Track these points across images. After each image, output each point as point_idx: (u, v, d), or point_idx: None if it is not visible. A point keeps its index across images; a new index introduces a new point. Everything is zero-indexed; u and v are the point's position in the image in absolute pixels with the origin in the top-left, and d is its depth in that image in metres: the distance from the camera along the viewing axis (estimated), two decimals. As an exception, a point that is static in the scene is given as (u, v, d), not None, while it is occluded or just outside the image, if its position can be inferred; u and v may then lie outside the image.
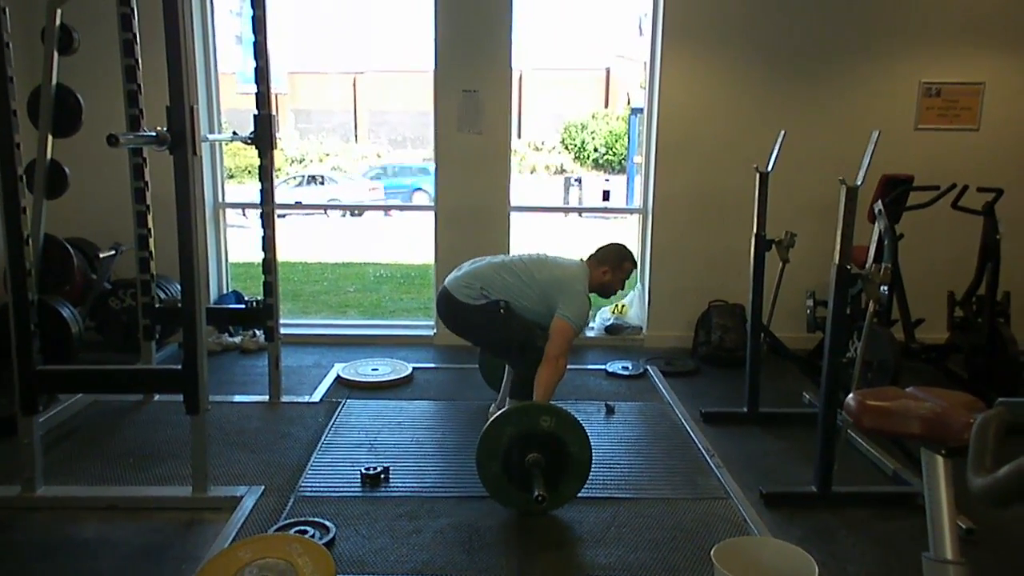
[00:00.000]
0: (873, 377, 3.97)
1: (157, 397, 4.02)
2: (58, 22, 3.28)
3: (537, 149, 21.34)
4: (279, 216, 4.01)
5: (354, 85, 22.75)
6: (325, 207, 15.24)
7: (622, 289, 3.68)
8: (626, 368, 4.75)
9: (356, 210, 14.82)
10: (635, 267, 3.67)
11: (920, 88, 5.05)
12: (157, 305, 4.10)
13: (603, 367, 4.77)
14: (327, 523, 2.77)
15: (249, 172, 14.13)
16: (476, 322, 3.43)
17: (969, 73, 5.04)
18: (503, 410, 3.04)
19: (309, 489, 3.10)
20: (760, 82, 5.05)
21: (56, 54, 3.25)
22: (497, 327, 3.39)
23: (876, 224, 4.00)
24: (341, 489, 3.11)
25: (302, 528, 2.73)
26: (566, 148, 21.05)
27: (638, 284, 5.52)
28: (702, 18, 4.98)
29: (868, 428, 1.62)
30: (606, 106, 22.39)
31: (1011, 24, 4.99)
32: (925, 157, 4.90)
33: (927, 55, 5.03)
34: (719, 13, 4.97)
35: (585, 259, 3.60)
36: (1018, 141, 5.11)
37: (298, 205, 12.34)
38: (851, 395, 1.64)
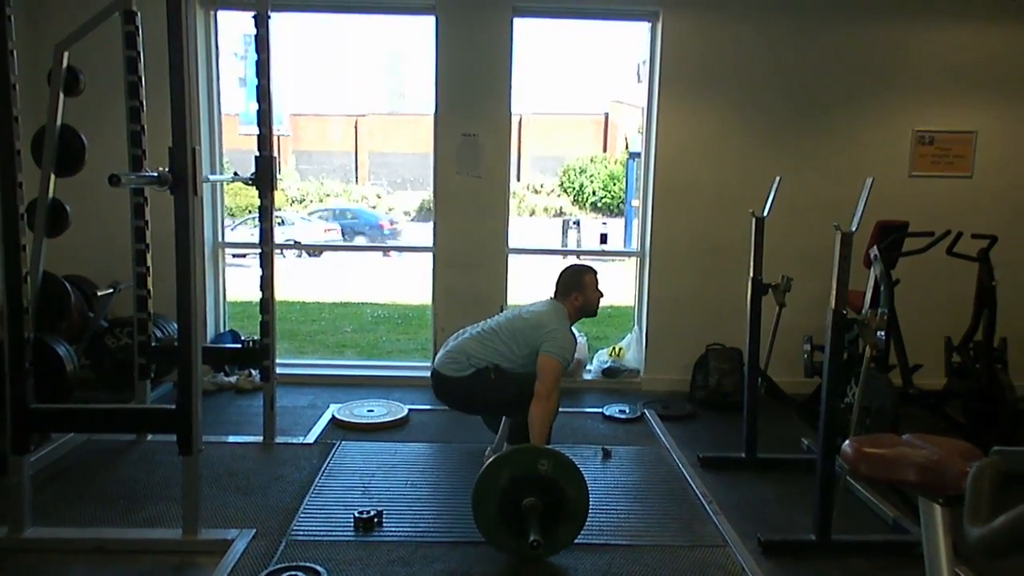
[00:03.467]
0: (871, 423, 3.95)
1: (150, 437, 3.98)
2: (65, 64, 3.33)
3: (536, 192, 21.52)
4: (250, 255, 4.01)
5: (355, 127, 23.00)
6: (322, 247, 15.29)
7: (602, 297, 3.64)
8: (623, 412, 4.72)
9: (314, 250, 14.83)
10: (595, 273, 3.62)
11: (913, 136, 5.13)
12: (153, 344, 4.09)
13: (600, 410, 4.74)
14: (319, 568, 2.73)
15: (249, 211, 14.23)
16: (469, 391, 3.44)
17: (961, 122, 5.12)
18: (500, 453, 3.02)
19: (301, 533, 3.06)
20: (756, 129, 5.12)
21: (62, 95, 3.29)
22: (491, 390, 3.40)
23: (872, 269, 4.02)
24: (334, 533, 3.06)
25: (293, 573, 2.69)
26: (565, 191, 21.22)
27: (635, 327, 5.52)
28: (699, 66, 5.06)
29: (865, 475, 1.61)
30: (604, 150, 22.63)
31: (1002, 75, 5.08)
32: (919, 203, 4.94)
33: (920, 104, 5.11)
34: (716, 62, 5.06)
35: (553, 298, 3.60)
36: (1011, 189, 5.16)
37: (296, 245, 12.38)
38: (847, 442, 1.63)
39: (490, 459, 2.96)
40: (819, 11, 5.03)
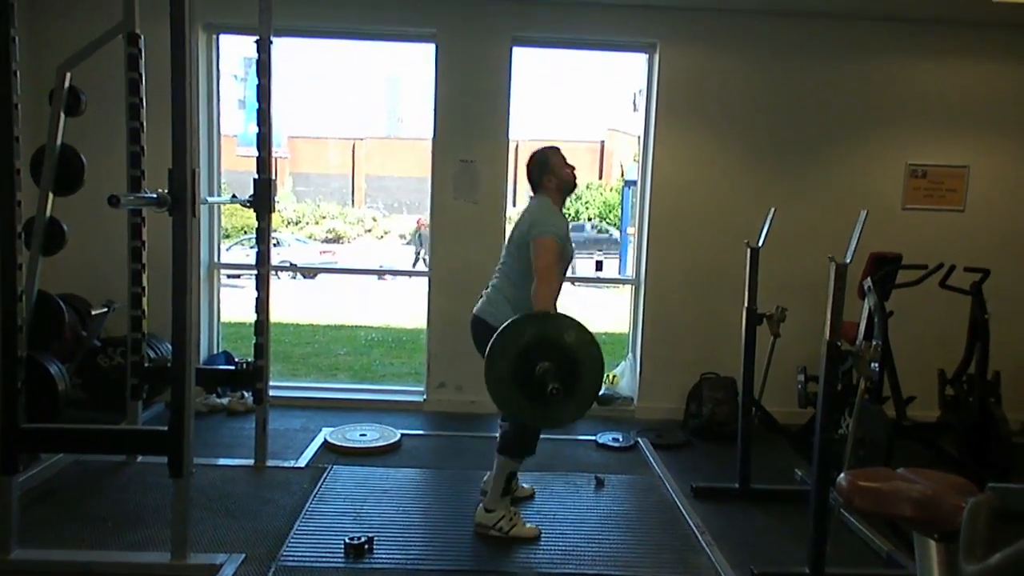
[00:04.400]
0: (865, 455, 3.94)
1: (140, 458, 3.95)
2: (67, 84, 3.35)
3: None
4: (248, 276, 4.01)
5: (353, 151, 23.13)
6: (317, 269, 15.29)
7: (574, 169, 3.51)
8: (616, 440, 4.71)
9: (309, 272, 14.82)
10: (558, 150, 3.51)
11: (906, 170, 5.18)
12: (146, 364, 4.07)
13: (593, 438, 4.73)
14: (308, 594, 2.70)
15: (245, 231, 14.25)
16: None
17: (953, 156, 5.17)
18: (528, 313, 2.95)
19: (291, 559, 3.03)
20: (751, 160, 5.17)
21: (63, 115, 3.31)
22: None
23: (866, 301, 4.04)
24: (323, 559, 3.03)
25: (282, 599, 2.66)
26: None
27: (629, 355, 5.52)
28: (695, 97, 5.12)
29: (860, 509, 1.60)
30: (600, 177, 22.77)
31: (994, 110, 5.15)
32: (912, 236, 4.98)
33: (912, 138, 5.17)
34: (712, 93, 5.12)
35: (533, 193, 3.51)
36: (1002, 223, 5.21)
37: (291, 267, 12.39)
38: (842, 475, 1.63)
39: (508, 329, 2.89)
40: (814, 47, 5.10)
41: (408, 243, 18.84)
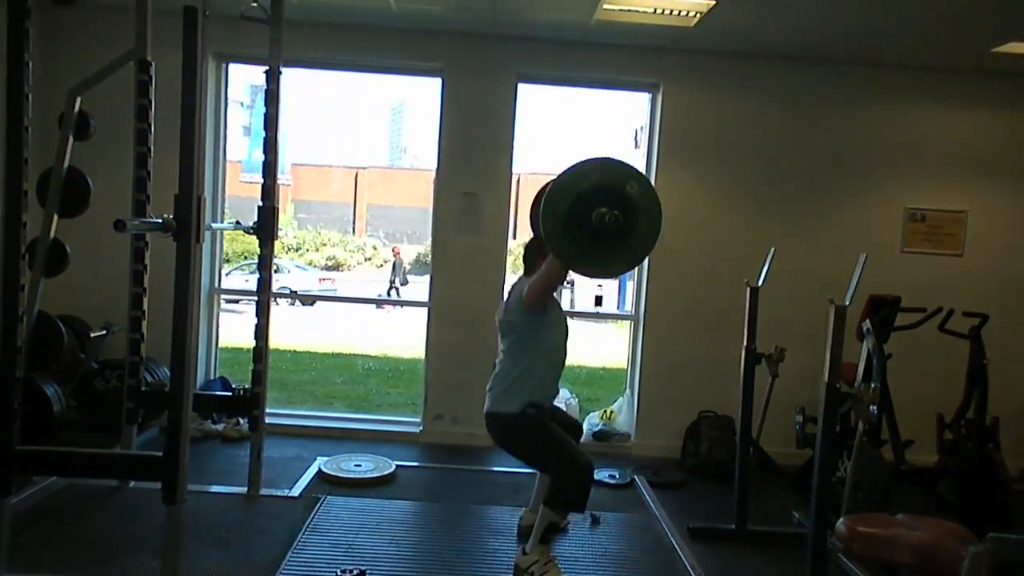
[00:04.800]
0: (863, 499, 3.92)
1: (133, 484, 3.91)
2: (77, 108, 3.39)
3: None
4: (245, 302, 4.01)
5: (356, 179, 23.26)
6: (316, 297, 15.28)
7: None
8: (613, 477, 4.67)
9: (308, 299, 14.81)
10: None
11: (905, 213, 5.22)
12: (143, 388, 4.06)
13: (590, 474, 4.69)
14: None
15: (245, 256, 14.26)
16: (516, 437, 3.36)
17: (952, 201, 5.22)
18: (598, 158, 2.91)
19: (282, 589, 2.99)
20: (751, 200, 5.21)
21: (71, 139, 3.34)
22: (537, 442, 3.30)
23: (865, 343, 4.04)
24: (315, 591, 3.00)
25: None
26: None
27: (627, 391, 5.51)
28: (697, 137, 5.18)
29: (858, 554, 1.60)
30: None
31: (992, 157, 5.21)
32: (911, 279, 5.00)
33: (912, 182, 5.22)
34: (713, 134, 5.18)
35: (525, 275, 3.51)
36: (1001, 268, 5.23)
37: (291, 294, 12.37)
38: (842, 520, 1.62)
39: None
40: (814, 90, 5.17)
41: (408, 273, 18.85)
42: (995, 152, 5.22)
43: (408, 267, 19.15)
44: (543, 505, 3.26)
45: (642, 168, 5.45)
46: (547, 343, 3.36)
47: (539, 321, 3.32)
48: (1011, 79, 5.11)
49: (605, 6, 4.24)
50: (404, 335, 10.76)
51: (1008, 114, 5.21)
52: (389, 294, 15.10)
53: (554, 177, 2.92)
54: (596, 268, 2.94)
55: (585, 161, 2.88)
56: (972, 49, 4.62)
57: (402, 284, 15.53)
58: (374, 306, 15.40)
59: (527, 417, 3.28)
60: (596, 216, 2.80)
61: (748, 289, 3.87)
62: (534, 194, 3.41)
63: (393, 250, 17.42)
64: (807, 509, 3.17)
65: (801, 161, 5.20)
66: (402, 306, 15.88)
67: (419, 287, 13.87)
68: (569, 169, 2.86)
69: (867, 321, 4.15)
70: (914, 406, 4.52)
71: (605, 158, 2.92)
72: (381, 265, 20.72)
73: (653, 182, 5.22)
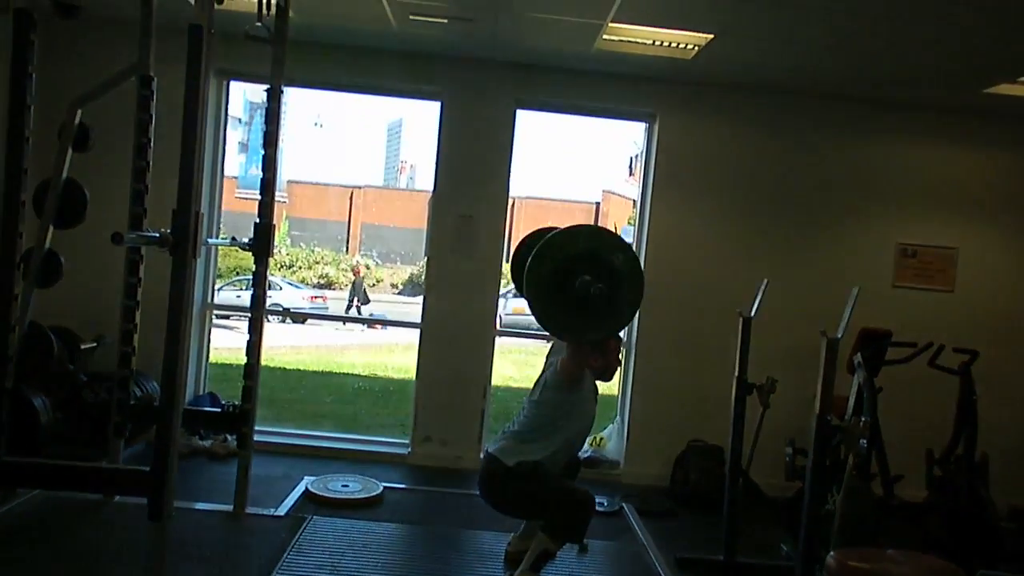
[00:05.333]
0: (851, 532, 3.91)
1: (118, 498, 3.87)
2: (77, 120, 3.40)
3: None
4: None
5: (351, 199, 23.32)
6: (307, 315, 15.26)
7: (620, 365, 3.64)
8: (602, 504, 4.64)
9: (299, 317, 14.80)
10: (620, 340, 3.59)
11: (897, 248, 5.26)
12: (132, 402, 4.03)
13: (578, 501, 4.67)
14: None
15: (237, 272, 14.24)
16: (511, 492, 3.34)
17: (943, 238, 5.27)
18: (589, 226, 3.02)
19: (265, 610, 2.96)
20: (745, 232, 5.24)
21: (70, 151, 3.34)
22: (532, 491, 3.29)
23: (855, 376, 4.05)
24: (299, 613, 2.97)
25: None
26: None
27: (618, 418, 5.50)
28: (692, 167, 5.22)
29: (848, 589, 1.59)
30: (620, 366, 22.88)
31: (983, 194, 5.27)
32: (902, 314, 5.02)
33: (903, 218, 5.27)
34: (708, 165, 5.22)
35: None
36: (992, 305, 5.27)
37: (284, 312, 12.35)
38: (831, 554, 1.62)
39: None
40: (809, 125, 5.23)
41: (399, 293, 18.82)
42: (985, 191, 5.28)
43: (400, 288, 19.11)
44: (540, 531, 3.23)
45: (638, 195, 5.49)
46: (572, 428, 3.36)
47: (575, 399, 3.34)
48: (1002, 120, 5.18)
49: (605, 36, 4.30)
50: (395, 355, 10.74)
51: (999, 154, 5.28)
52: (348, 312, 15.03)
53: (534, 231, 2.97)
54: (571, 333, 2.98)
55: (574, 228, 2.96)
56: (965, 89, 4.69)
57: (362, 303, 15.48)
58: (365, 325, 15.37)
59: (525, 472, 3.26)
60: (580, 284, 2.85)
61: (741, 319, 3.89)
62: (517, 245, 3.53)
63: (354, 270, 17.36)
64: (795, 541, 3.17)
65: (795, 194, 5.25)
66: (383, 326, 15.83)
67: (414, 307, 13.88)
68: (558, 234, 2.92)
69: (858, 354, 4.17)
70: (904, 441, 4.53)
71: (596, 227, 3.00)
72: (374, 285, 20.71)
73: (648, 210, 5.27)
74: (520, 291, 3.60)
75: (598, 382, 3.52)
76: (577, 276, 2.86)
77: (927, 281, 5.29)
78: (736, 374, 3.87)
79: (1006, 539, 4.30)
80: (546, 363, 3.51)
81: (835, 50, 4.25)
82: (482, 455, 3.47)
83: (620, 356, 3.59)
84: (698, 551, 3.97)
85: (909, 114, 5.21)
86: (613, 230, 3.14)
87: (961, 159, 5.29)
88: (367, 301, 15.66)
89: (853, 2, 3.54)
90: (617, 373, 3.63)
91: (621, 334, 3.64)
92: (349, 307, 15.35)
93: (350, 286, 16.25)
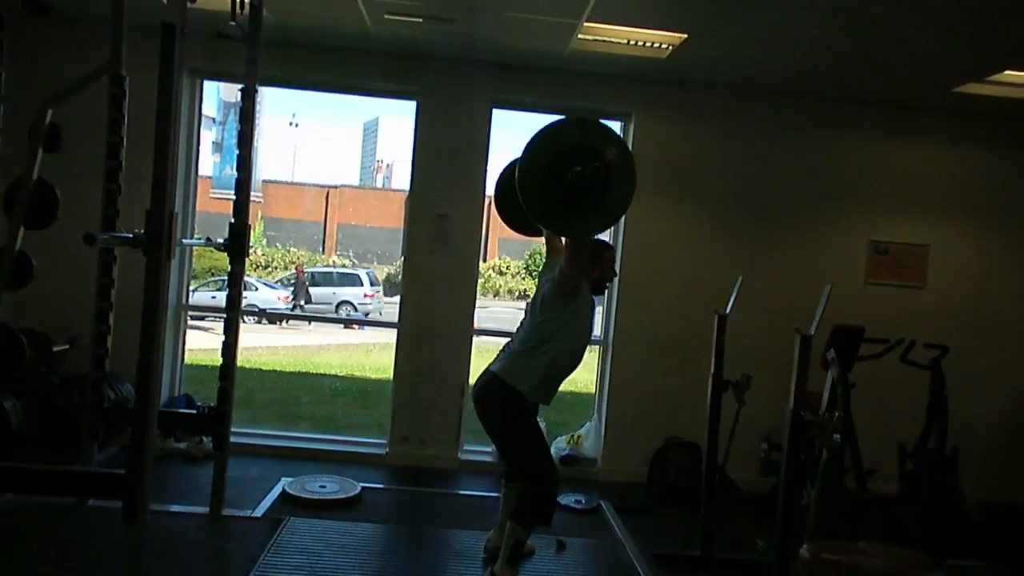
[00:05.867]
0: (826, 526, 3.96)
1: (91, 501, 3.82)
2: (48, 119, 3.35)
3: (502, 273, 21.66)
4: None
5: (327, 198, 23.17)
6: (283, 315, 15.14)
7: (615, 276, 3.67)
8: (579, 502, 4.67)
9: (275, 318, 14.69)
10: (614, 251, 3.64)
11: (869, 245, 5.34)
12: (106, 405, 3.98)
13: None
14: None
15: (212, 273, 14.10)
16: (505, 413, 3.34)
17: (915, 235, 5.35)
18: (580, 118, 2.98)
19: (243, 613, 2.94)
20: (720, 229, 5.29)
21: (41, 151, 3.30)
22: (524, 437, 3.34)
23: (829, 372, 4.11)
24: (277, 615, 2.95)
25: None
26: (530, 274, 21.41)
27: (595, 415, 5.52)
28: (668, 166, 5.25)
29: (821, 581, 1.62)
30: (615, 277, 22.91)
31: (955, 193, 5.36)
32: (875, 310, 5.10)
33: (876, 215, 5.35)
34: (684, 163, 5.26)
35: None
36: (962, 301, 5.36)
37: (260, 312, 12.22)
38: (804, 547, 1.65)
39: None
40: (783, 123, 5.29)
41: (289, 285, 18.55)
42: (956, 188, 5.37)
43: (379, 288, 19.00)
44: (511, 522, 3.26)
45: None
46: (569, 341, 3.34)
47: (574, 308, 3.31)
48: (971, 118, 5.27)
49: (580, 36, 4.31)
50: (372, 355, 10.69)
51: (969, 152, 5.38)
52: (293, 310, 14.90)
53: (512, 161, 2.95)
54: (570, 226, 2.97)
55: (564, 122, 2.95)
56: (934, 88, 4.77)
57: (306, 303, 15.38)
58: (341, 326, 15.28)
59: (528, 406, 3.33)
60: (573, 175, 2.85)
61: (716, 317, 3.93)
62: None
63: (296, 268, 17.19)
64: (771, 536, 3.20)
65: (769, 192, 5.31)
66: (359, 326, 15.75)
67: (391, 307, 13.84)
68: (547, 128, 2.92)
69: (831, 351, 4.22)
70: (877, 435, 4.59)
71: (584, 119, 3.00)
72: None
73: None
74: (509, 221, 3.59)
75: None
76: (569, 169, 2.86)
77: (899, 277, 5.38)
78: (712, 371, 3.90)
79: (977, 531, 4.38)
80: (540, 281, 3.49)
81: (806, 50, 4.30)
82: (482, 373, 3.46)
83: (615, 268, 3.62)
84: (675, 547, 4.00)
85: (881, 112, 5.29)
86: (603, 123, 3.15)
87: (932, 157, 5.37)
88: (309, 300, 15.55)
89: (823, 3, 3.58)
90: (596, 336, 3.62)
91: (615, 270, 3.64)
92: (294, 307, 15.23)
93: (292, 285, 16.07)
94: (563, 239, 3.29)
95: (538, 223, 3.16)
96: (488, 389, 3.35)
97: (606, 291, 3.61)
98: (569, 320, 3.31)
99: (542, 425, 5.32)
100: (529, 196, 2.91)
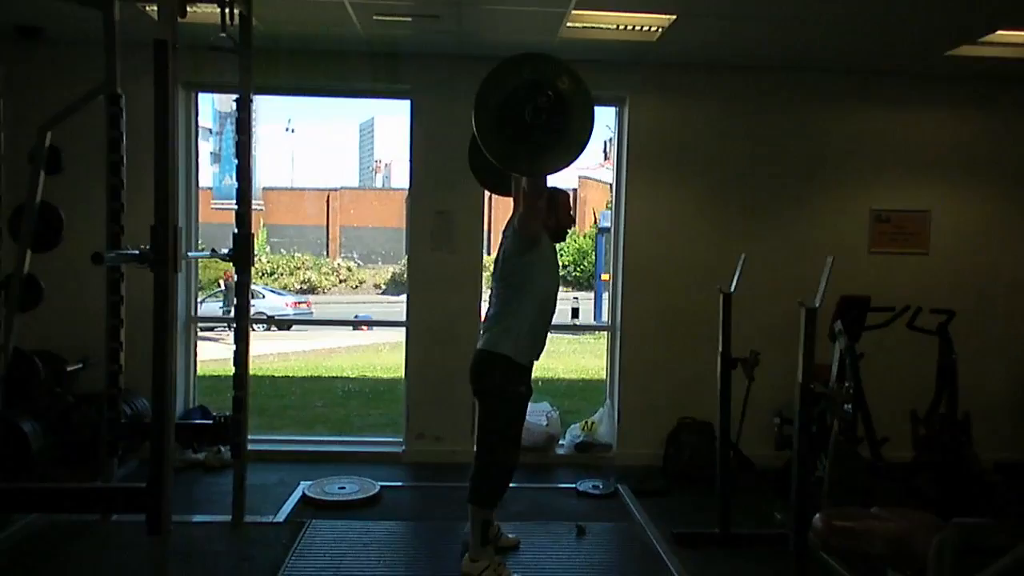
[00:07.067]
0: (842, 496, 3.99)
1: (114, 517, 3.87)
2: (47, 143, 3.39)
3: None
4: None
5: (328, 202, 23.21)
6: (292, 321, 15.19)
7: (574, 221, 3.66)
8: (596, 487, 4.71)
9: (284, 324, 14.72)
10: (568, 195, 3.59)
11: (871, 214, 5.34)
12: (122, 420, 4.02)
13: (574, 486, 4.72)
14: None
15: (218, 284, 14.17)
16: (490, 384, 3.39)
17: (916, 201, 5.35)
18: (524, 52, 2.93)
19: (271, 616, 2.98)
20: (722, 207, 5.30)
21: (43, 174, 3.33)
22: (500, 412, 3.37)
23: (836, 343, 4.12)
24: (305, 616, 2.99)
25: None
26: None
27: (607, 401, 5.55)
28: (665, 148, 5.26)
29: (835, 548, 1.65)
30: (574, 224, 22.95)
31: (953, 157, 5.35)
32: (880, 279, 5.11)
33: (876, 184, 5.35)
34: (681, 143, 5.27)
35: None
36: (965, 265, 5.36)
37: (268, 319, 12.28)
38: (817, 515, 1.68)
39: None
40: (778, 97, 5.29)
41: (383, 293, 18.71)
42: (954, 152, 5.36)
43: (383, 288, 19.06)
44: (469, 504, 3.34)
45: (613, 180, 5.53)
46: (539, 287, 3.36)
47: (532, 259, 3.32)
48: (966, 81, 5.26)
49: (569, 24, 4.32)
50: (383, 355, 10.71)
51: (965, 115, 5.36)
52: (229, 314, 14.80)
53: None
54: (530, 164, 2.94)
55: (514, 58, 2.91)
56: (928, 53, 4.75)
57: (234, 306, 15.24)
58: (351, 328, 15.34)
59: (515, 391, 3.35)
60: (529, 112, 2.83)
61: (721, 295, 3.95)
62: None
63: (225, 273, 17.19)
64: (788, 509, 3.23)
65: (767, 167, 5.31)
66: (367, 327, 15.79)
67: (394, 307, 13.87)
68: (497, 68, 2.90)
69: (838, 322, 4.24)
70: (888, 404, 4.62)
71: (533, 53, 2.94)
72: (356, 287, 20.68)
73: (624, 193, 5.31)
74: (482, 181, 3.74)
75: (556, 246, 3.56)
76: (523, 107, 2.84)
77: (902, 245, 5.38)
78: (720, 350, 3.93)
79: (992, 492, 4.40)
80: (502, 239, 3.50)
81: (795, 24, 4.29)
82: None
83: (572, 212, 3.60)
84: (694, 526, 4.03)
85: (875, 81, 5.27)
86: (552, 56, 3.10)
87: (929, 122, 5.36)
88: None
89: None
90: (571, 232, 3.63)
91: (571, 196, 3.63)
92: (228, 311, 15.16)
93: (223, 292, 16.03)
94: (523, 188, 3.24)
95: (501, 166, 3.08)
96: (478, 366, 3.41)
97: (566, 238, 3.56)
98: (533, 270, 3.33)
99: (555, 414, 5.42)
100: (488, 138, 2.89)
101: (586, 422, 5.52)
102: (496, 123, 2.88)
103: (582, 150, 2.93)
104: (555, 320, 3.57)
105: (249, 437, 4.22)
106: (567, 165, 2.95)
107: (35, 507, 3.43)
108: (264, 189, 22.89)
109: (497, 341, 3.33)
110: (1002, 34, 4.34)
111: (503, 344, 3.31)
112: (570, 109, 2.88)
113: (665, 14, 4.17)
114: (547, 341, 3.51)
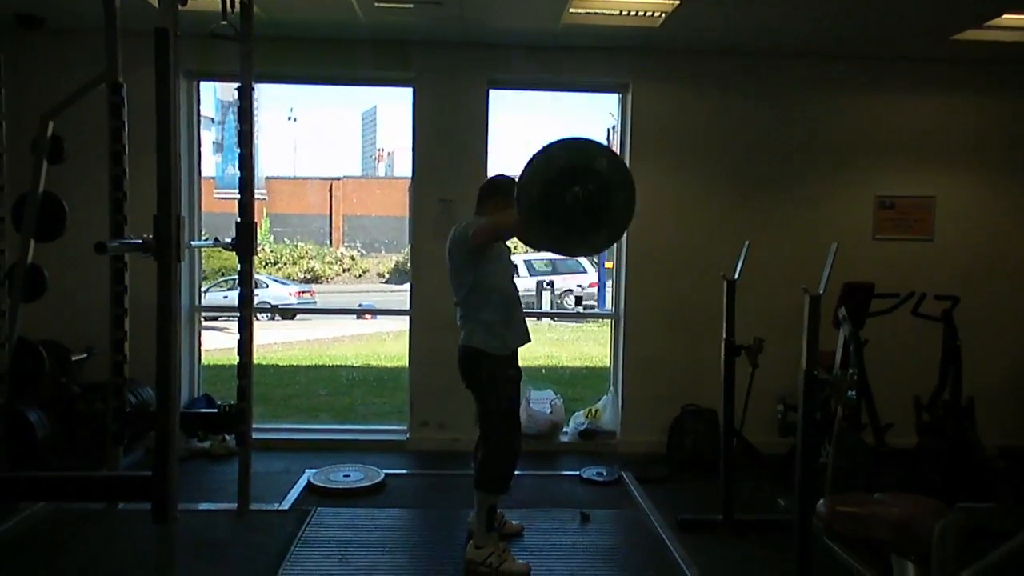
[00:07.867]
0: (846, 482, 3.99)
1: (120, 505, 3.89)
2: (49, 132, 3.38)
3: (512, 253, 21.66)
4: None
5: (331, 191, 23.19)
6: (296, 310, 15.23)
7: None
8: (601, 474, 4.72)
9: (288, 313, 14.76)
10: (514, 181, 3.53)
11: (875, 201, 5.32)
12: (128, 410, 4.03)
13: (578, 473, 4.74)
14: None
15: (223, 273, 14.19)
16: (482, 374, 3.41)
17: (920, 187, 5.33)
18: (560, 140, 2.97)
19: (277, 603, 3.00)
20: (724, 194, 5.29)
21: (45, 163, 3.33)
22: (501, 400, 3.39)
23: (840, 330, 4.12)
24: (311, 602, 3.01)
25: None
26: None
27: (611, 389, 5.56)
28: (668, 135, 5.24)
29: (839, 534, 1.65)
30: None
31: (956, 142, 5.33)
32: (884, 265, 5.09)
33: (880, 170, 5.32)
34: (684, 130, 5.25)
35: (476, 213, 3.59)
36: (970, 251, 5.34)
37: (272, 308, 12.31)
38: (821, 501, 1.68)
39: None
40: (780, 84, 5.26)
41: (387, 282, 18.72)
42: (958, 138, 5.33)
43: (387, 277, 19.07)
44: (476, 490, 3.34)
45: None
46: (492, 277, 3.41)
47: (479, 259, 3.37)
48: (970, 66, 5.23)
49: (571, 10, 4.30)
50: (387, 344, 10.73)
51: (969, 100, 5.33)
52: None
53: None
54: (579, 248, 3.07)
55: (550, 144, 2.94)
56: (932, 38, 4.72)
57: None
58: (355, 316, 15.36)
59: (510, 371, 3.39)
60: (569, 197, 2.88)
61: (725, 282, 3.94)
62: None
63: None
64: (792, 496, 3.23)
65: (771, 154, 5.29)
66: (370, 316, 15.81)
67: (399, 295, 13.87)
68: (534, 158, 2.92)
69: (842, 308, 4.23)
70: (892, 390, 4.61)
71: (570, 138, 2.97)
72: (360, 276, 20.69)
73: (627, 181, 5.29)
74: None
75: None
76: (565, 191, 2.89)
77: (906, 231, 5.36)
78: (724, 337, 3.92)
79: (997, 477, 4.40)
80: (449, 246, 3.54)
81: (799, 8, 4.26)
82: None
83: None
84: (698, 513, 4.04)
85: (879, 66, 5.24)
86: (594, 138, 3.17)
87: (933, 108, 5.33)
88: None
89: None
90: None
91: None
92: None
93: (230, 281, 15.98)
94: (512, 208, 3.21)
95: (557, 252, 3.25)
96: (464, 362, 3.46)
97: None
98: (486, 269, 3.39)
99: (559, 402, 5.43)
100: (536, 228, 2.98)
101: (590, 409, 5.54)
102: (541, 215, 2.93)
103: (628, 222, 3.05)
104: (558, 308, 3.58)
105: (254, 426, 4.23)
106: (613, 242, 3.22)
107: (41, 496, 3.45)
108: (267, 178, 22.88)
109: (475, 337, 3.39)
110: (1009, 17, 4.31)
111: (481, 339, 3.38)
112: (610, 188, 2.94)
113: (668, -1, 4.14)
114: (527, 325, 3.56)
